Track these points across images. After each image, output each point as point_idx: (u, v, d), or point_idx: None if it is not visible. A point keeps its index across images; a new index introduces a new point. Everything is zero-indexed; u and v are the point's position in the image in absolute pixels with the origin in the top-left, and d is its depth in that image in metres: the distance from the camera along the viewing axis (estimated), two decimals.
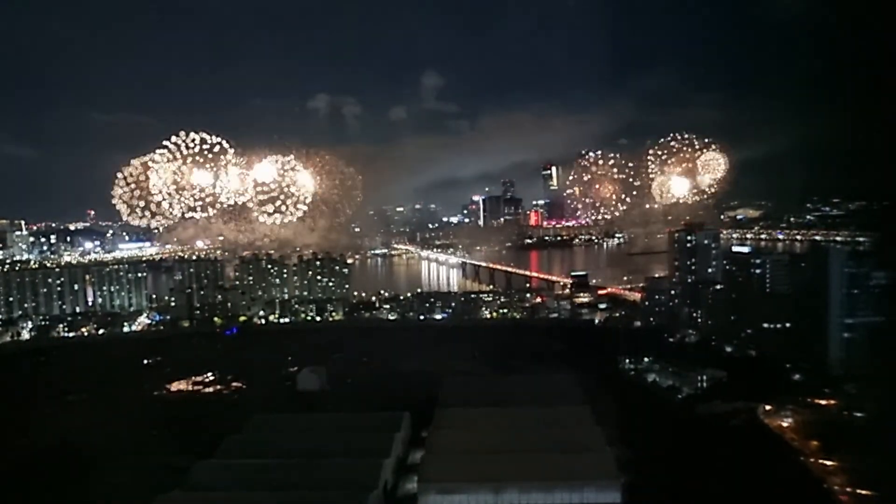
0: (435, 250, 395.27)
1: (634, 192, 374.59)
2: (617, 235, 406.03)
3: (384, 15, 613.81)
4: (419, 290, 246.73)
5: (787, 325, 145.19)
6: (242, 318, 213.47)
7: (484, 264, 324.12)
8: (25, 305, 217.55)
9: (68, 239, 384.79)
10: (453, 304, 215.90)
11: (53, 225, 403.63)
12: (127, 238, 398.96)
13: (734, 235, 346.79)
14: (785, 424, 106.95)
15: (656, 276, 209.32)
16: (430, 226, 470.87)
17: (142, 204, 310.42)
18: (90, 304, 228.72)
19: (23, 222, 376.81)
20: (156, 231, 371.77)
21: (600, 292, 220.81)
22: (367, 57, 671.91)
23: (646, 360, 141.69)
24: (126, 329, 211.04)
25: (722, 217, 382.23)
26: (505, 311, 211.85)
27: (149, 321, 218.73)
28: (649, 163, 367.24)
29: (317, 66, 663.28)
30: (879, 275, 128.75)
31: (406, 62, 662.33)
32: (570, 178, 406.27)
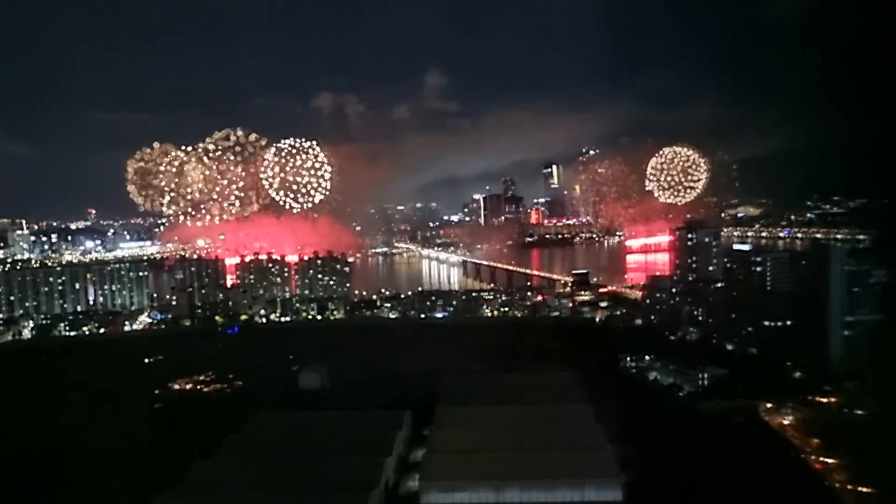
0: (436, 249, 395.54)
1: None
2: (618, 233, 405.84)
3: (386, 14, 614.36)
4: (420, 289, 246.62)
5: (788, 322, 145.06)
6: (244, 317, 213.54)
7: (485, 263, 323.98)
8: (27, 304, 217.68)
9: (69, 238, 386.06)
10: (454, 303, 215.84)
11: (54, 224, 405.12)
12: (128, 237, 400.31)
13: (735, 233, 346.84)
14: (786, 422, 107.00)
15: (657, 273, 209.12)
16: (431, 224, 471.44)
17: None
18: (91, 302, 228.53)
19: (24, 221, 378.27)
20: (157, 230, 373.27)
21: (601, 290, 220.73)
22: (369, 56, 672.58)
23: (647, 358, 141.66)
24: (127, 328, 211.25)
25: (723, 215, 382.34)
26: (506, 309, 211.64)
27: (150, 320, 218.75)
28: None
29: (319, 64, 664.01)
30: (880, 272, 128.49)
31: (408, 61, 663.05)
32: (572, 176, 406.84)
